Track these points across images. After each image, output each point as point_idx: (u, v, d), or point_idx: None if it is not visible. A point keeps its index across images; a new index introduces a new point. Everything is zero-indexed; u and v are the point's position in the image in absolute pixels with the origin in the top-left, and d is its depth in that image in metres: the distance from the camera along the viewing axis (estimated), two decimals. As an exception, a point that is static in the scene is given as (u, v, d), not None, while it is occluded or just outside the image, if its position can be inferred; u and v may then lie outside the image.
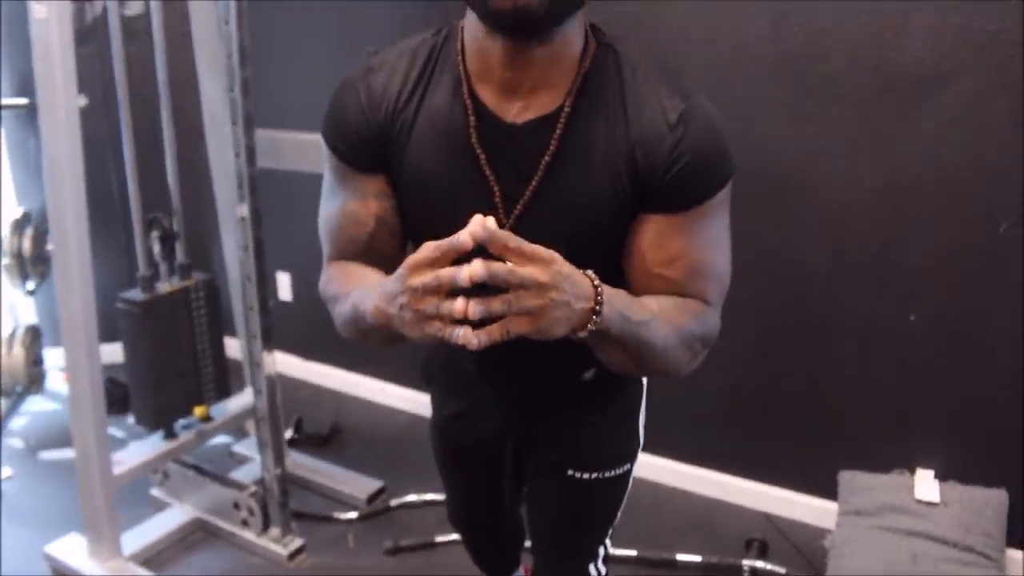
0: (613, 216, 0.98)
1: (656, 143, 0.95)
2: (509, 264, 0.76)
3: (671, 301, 0.98)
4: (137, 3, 2.90)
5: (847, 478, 2.23)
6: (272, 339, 2.13)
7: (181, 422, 2.32)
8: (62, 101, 1.86)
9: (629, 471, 1.32)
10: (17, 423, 2.98)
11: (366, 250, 1.07)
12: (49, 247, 2.98)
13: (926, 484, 2.15)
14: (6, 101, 2.94)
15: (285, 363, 3.21)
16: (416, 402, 2.97)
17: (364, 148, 1.02)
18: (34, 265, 2.97)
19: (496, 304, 0.75)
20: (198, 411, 2.31)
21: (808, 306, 2.22)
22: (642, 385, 1.32)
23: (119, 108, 2.10)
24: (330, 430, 2.81)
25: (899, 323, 2.11)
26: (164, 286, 2.20)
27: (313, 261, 3.24)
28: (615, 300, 0.86)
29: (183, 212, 2.27)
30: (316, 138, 1.92)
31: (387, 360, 3.04)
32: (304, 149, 2.21)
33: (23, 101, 2.94)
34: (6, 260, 2.93)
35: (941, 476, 2.16)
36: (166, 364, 2.20)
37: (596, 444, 1.29)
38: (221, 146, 2.33)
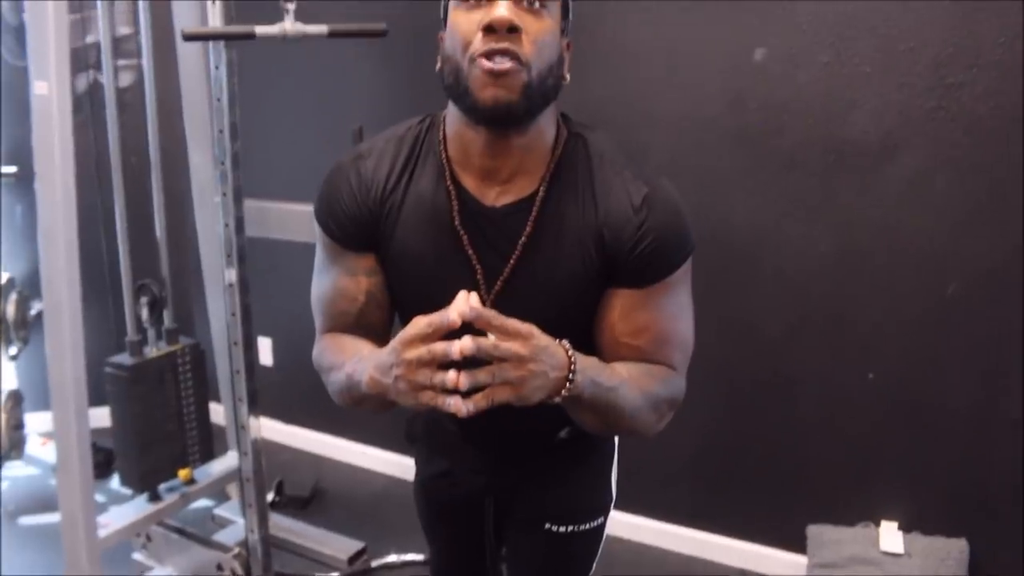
0: (584, 291, 1.07)
1: (622, 224, 1.04)
2: (492, 339, 0.85)
3: (639, 367, 1.06)
4: (127, 74, 3.02)
5: (815, 532, 2.31)
6: (257, 401, 2.19)
7: (165, 485, 2.35)
8: (59, 173, 1.94)
9: (603, 524, 1.38)
10: (-4, 488, 3.00)
11: (357, 323, 1.14)
12: (32, 312, 3.03)
13: (890, 536, 2.23)
14: (-5, 170, 3.01)
15: (266, 427, 3.23)
16: (395, 464, 3.02)
17: (355, 228, 1.10)
18: (17, 330, 3.01)
19: (482, 375, 0.84)
20: (182, 474, 2.34)
21: (771, 367, 2.32)
22: (614, 442, 1.38)
23: (112, 178, 2.19)
24: (311, 492, 2.85)
25: (859, 381, 2.22)
26: (152, 351, 2.26)
27: (294, 327, 3.32)
28: (587, 368, 0.94)
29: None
30: (299, 208, 2.04)
31: (366, 424, 3.10)
32: (287, 218, 2.29)
33: (13, 169, 3.02)
34: (-11, 326, 2.96)
35: (905, 527, 2.25)
36: (153, 427, 2.24)
37: (572, 499, 1.35)
38: (208, 215, 2.42)
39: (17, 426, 2.93)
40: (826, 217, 2.17)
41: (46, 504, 2.85)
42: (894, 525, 2.26)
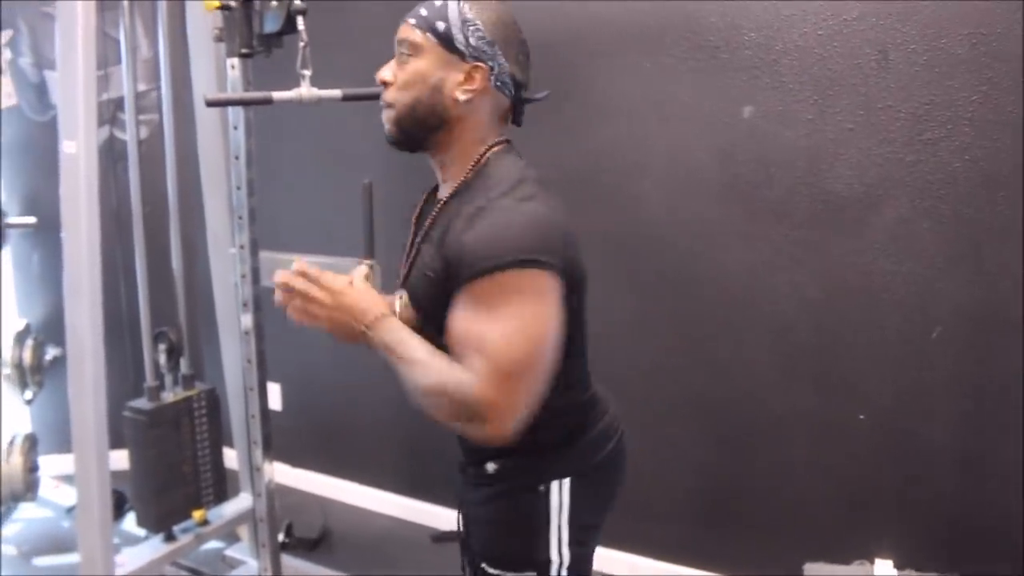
0: (437, 288, 1.21)
1: (455, 231, 1.18)
2: (299, 280, 1.23)
3: (445, 361, 1.16)
4: (143, 128, 3.14)
5: (812, 570, 2.36)
6: (271, 444, 2.28)
7: (179, 526, 2.42)
8: (85, 227, 2.03)
9: None
10: (11, 530, 3.05)
11: None
12: (48, 357, 3.12)
13: (885, 573, 2.28)
14: (15, 220, 3.12)
15: (275, 469, 3.32)
16: (401, 506, 3.09)
17: None
18: (33, 375, 3.09)
19: (278, 296, 1.26)
20: (197, 515, 2.41)
21: (763, 408, 2.41)
22: (555, 499, 1.31)
23: (131, 228, 2.30)
24: (320, 534, 2.92)
25: (850, 421, 2.30)
26: (169, 396, 2.35)
27: (303, 373, 3.40)
28: (388, 332, 1.19)
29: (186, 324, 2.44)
30: (310, 259, 2.11)
31: (373, 467, 3.19)
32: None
33: (32, 220, 3.12)
34: (7, 370, 3.04)
35: (899, 565, 2.29)
36: (169, 469, 2.32)
37: (501, 542, 1.36)
38: (223, 264, 2.52)
39: (32, 469, 3.01)
40: (813, 264, 2.27)
41: (59, 545, 2.92)
42: (889, 563, 2.32)
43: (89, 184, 2.02)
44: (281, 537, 2.82)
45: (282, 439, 3.23)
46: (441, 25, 1.24)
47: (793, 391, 2.36)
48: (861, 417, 2.29)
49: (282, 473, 3.34)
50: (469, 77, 1.24)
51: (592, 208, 2.52)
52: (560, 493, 1.31)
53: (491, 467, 1.34)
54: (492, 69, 1.25)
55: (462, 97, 1.25)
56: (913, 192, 2.13)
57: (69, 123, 2.00)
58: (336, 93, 1.83)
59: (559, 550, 1.32)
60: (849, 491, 2.35)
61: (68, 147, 2.02)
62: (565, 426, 1.34)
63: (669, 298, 2.49)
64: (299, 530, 2.92)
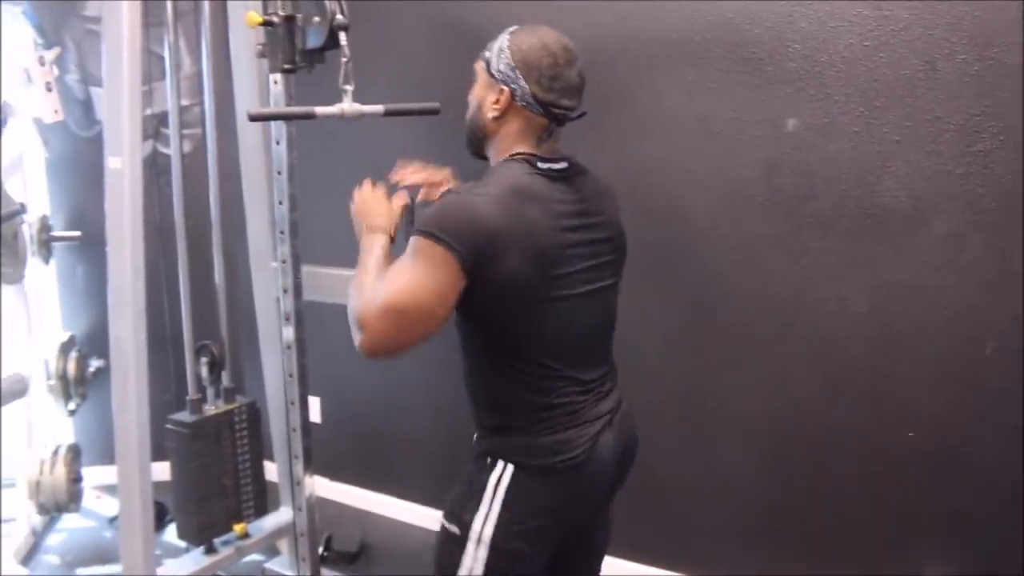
0: None
1: None
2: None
3: (377, 283, 1.40)
4: (187, 143, 3.18)
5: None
6: (312, 458, 2.28)
7: (220, 538, 2.43)
8: (129, 242, 2.06)
9: (457, 538, 1.49)
10: (54, 540, 3.09)
11: None
12: (91, 370, 3.17)
13: (933, 594, 2.24)
14: (60, 234, 3.17)
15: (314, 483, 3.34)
16: (439, 520, 3.07)
17: None
18: (76, 387, 3.14)
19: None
20: (238, 528, 2.42)
21: (807, 424, 2.36)
22: (488, 476, 1.49)
23: (174, 241, 2.32)
24: (358, 547, 2.92)
25: (899, 440, 2.25)
26: (211, 409, 2.37)
27: (342, 387, 3.41)
28: (370, 243, 1.52)
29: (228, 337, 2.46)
30: (349, 273, 2.16)
31: (411, 481, 3.19)
32: (336, 283, 2.40)
33: (76, 234, 3.17)
34: (51, 382, 3.09)
35: (948, 585, 2.26)
36: (211, 482, 2.33)
37: (454, 493, 1.55)
38: (264, 278, 2.53)
39: (75, 479, 3.04)
40: (860, 279, 2.23)
41: (102, 556, 2.95)
42: (939, 581, 2.27)
43: (134, 199, 2.05)
44: (320, 551, 2.83)
45: (321, 452, 3.24)
46: (487, 54, 1.51)
47: (840, 407, 2.32)
48: (911, 435, 2.24)
49: (321, 486, 3.34)
50: (497, 98, 1.49)
51: (634, 222, 2.48)
52: (502, 473, 1.48)
53: (475, 436, 1.58)
54: (515, 91, 1.47)
55: (490, 115, 1.51)
56: (963, 205, 2.08)
57: (114, 139, 2.02)
58: (378, 108, 1.83)
59: (483, 522, 1.46)
60: (897, 510, 2.30)
61: (113, 163, 2.05)
62: (518, 421, 1.49)
63: (712, 312, 2.46)
64: (338, 543, 2.92)
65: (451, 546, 1.50)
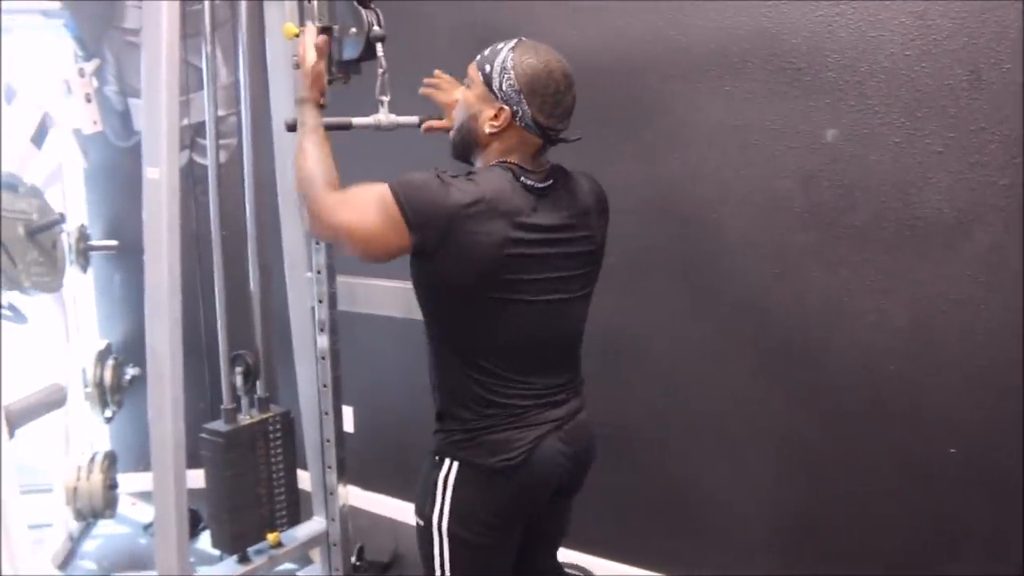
0: None
1: None
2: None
3: (323, 163, 1.62)
4: (222, 153, 3.20)
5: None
6: (346, 468, 2.28)
7: (253, 547, 2.44)
8: (166, 252, 2.08)
9: (428, 531, 1.60)
10: (90, 545, 3.12)
11: None
12: (127, 377, 3.20)
13: (974, 615, 2.19)
14: (98, 243, 3.21)
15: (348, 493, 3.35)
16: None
17: None
18: (112, 394, 3.17)
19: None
20: (271, 537, 2.43)
21: (845, 439, 2.32)
22: (438, 473, 1.60)
23: (210, 251, 2.34)
24: (391, 557, 2.92)
25: (940, 456, 2.20)
26: (245, 418, 2.38)
27: (375, 396, 3.42)
28: (305, 116, 1.69)
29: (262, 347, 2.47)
30: (384, 284, 2.19)
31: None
32: (373, 294, 2.41)
33: (113, 243, 3.21)
34: (88, 388, 3.13)
35: (990, 606, 2.20)
36: (245, 491, 2.34)
37: (418, 490, 1.65)
38: (299, 288, 2.54)
39: (111, 486, 3.08)
40: (901, 292, 2.19)
41: (137, 562, 2.97)
42: (979, 603, 2.22)
43: (171, 209, 2.06)
44: (353, 560, 2.83)
45: (354, 461, 3.25)
46: (487, 68, 1.54)
47: (879, 423, 2.27)
48: (952, 451, 2.19)
49: (354, 495, 3.35)
50: (496, 115, 1.54)
51: (670, 233, 2.49)
52: (448, 471, 1.58)
53: (433, 430, 1.67)
54: (516, 112, 1.52)
55: (488, 130, 1.56)
56: (1007, 217, 2.04)
57: (152, 150, 2.04)
58: (413, 120, 1.83)
59: (439, 515, 1.58)
60: (937, 527, 2.25)
61: (151, 173, 2.07)
62: (462, 413, 1.58)
63: (749, 326, 2.43)
64: (371, 553, 2.92)
65: (422, 539, 1.63)
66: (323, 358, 2.16)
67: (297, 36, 1.97)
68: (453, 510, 1.57)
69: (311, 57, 1.68)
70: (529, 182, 1.53)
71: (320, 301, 2.14)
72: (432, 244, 1.45)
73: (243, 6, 2.43)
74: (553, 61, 1.53)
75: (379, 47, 1.83)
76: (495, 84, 1.53)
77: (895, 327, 2.21)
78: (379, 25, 1.83)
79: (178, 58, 2.01)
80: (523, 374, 1.58)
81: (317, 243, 2.13)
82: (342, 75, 1.98)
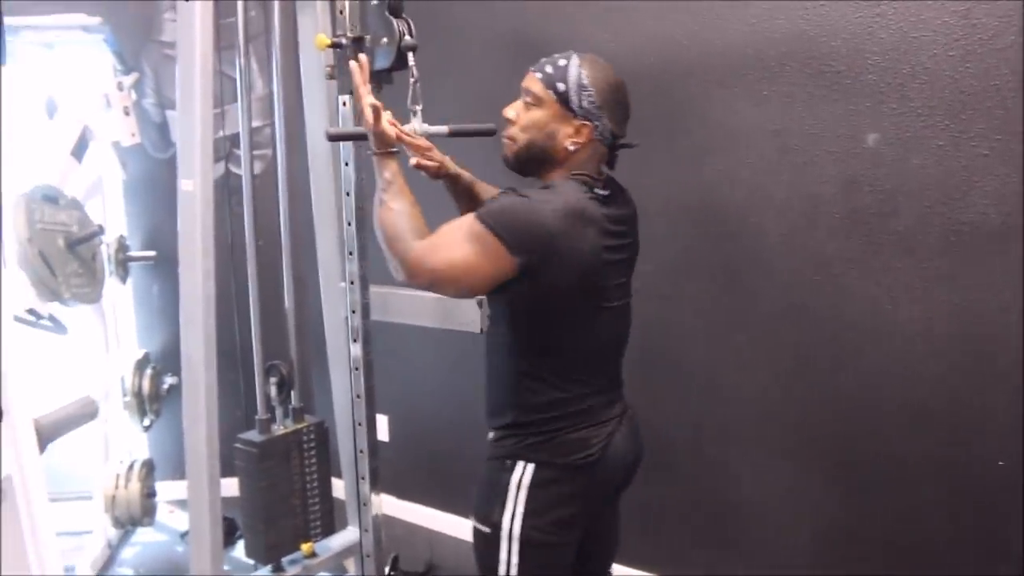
0: None
1: None
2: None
3: (419, 220, 1.57)
4: (258, 163, 3.23)
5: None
6: (379, 479, 2.27)
7: (287, 557, 2.44)
8: (200, 262, 2.09)
9: (492, 538, 1.60)
10: (128, 553, 3.15)
11: None
12: (165, 386, 3.23)
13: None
14: (136, 254, 3.24)
15: (382, 501, 3.34)
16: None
17: None
18: (151, 403, 3.20)
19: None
20: (305, 547, 2.43)
21: (887, 450, 2.26)
22: (510, 478, 1.60)
23: (244, 262, 2.35)
24: (425, 568, 2.90)
25: (987, 468, 2.13)
26: (279, 428, 2.38)
27: (410, 405, 3.41)
28: (387, 171, 1.61)
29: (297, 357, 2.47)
30: (417, 295, 2.18)
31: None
32: (406, 304, 2.40)
33: (152, 254, 3.24)
34: (127, 397, 3.16)
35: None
36: (279, 502, 2.34)
37: (479, 498, 1.66)
38: (334, 298, 2.54)
39: (149, 494, 3.10)
40: (945, 299, 2.13)
41: (173, 569, 2.99)
42: (1030, 621, 2.15)
43: (205, 221, 2.08)
44: (387, 570, 2.81)
45: (389, 471, 3.24)
46: (561, 86, 1.55)
47: (923, 432, 2.21)
48: (1000, 463, 2.12)
49: (389, 505, 3.34)
50: (578, 132, 1.56)
51: (707, 240, 2.45)
52: (523, 473, 1.59)
53: (490, 436, 1.70)
54: (596, 127, 1.56)
55: (571, 148, 1.57)
56: (1058, 222, 1.97)
57: (187, 163, 2.06)
58: (443, 129, 1.83)
59: (511, 519, 1.58)
60: (985, 543, 2.18)
61: (186, 185, 2.08)
62: (541, 418, 1.60)
63: (788, 334, 2.38)
64: (405, 563, 2.90)
65: (486, 546, 1.62)
66: (356, 368, 2.15)
67: (329, 47, 1.98)
68: (528, 512, 1.59)
69: (369, 118, 1.62)
70: (600, 192, 1.58)
71: (353, 311, 2.13)
72: (537, 261, 1.47)
73: (276, 17, 2.45)
74: (613, 73, 1.59)
75: (411, 57, 1.82)
76: (573, 102, 1.55)
77: (939, 336, 2.15)
78: (411, 35, 1.82)
79: (211, 70, 2.03)
80: (594, 374, 1.65)
81: (350, 252, 2.13)
82: (374, 84, 1.97)
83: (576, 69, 1.55)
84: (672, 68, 2.41)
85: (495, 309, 1.65)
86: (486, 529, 1.62)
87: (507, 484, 1.60)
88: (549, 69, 1.57)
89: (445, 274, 1.50)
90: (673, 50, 2.41)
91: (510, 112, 1.62)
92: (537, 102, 1.58)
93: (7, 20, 2.95)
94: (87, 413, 2.32)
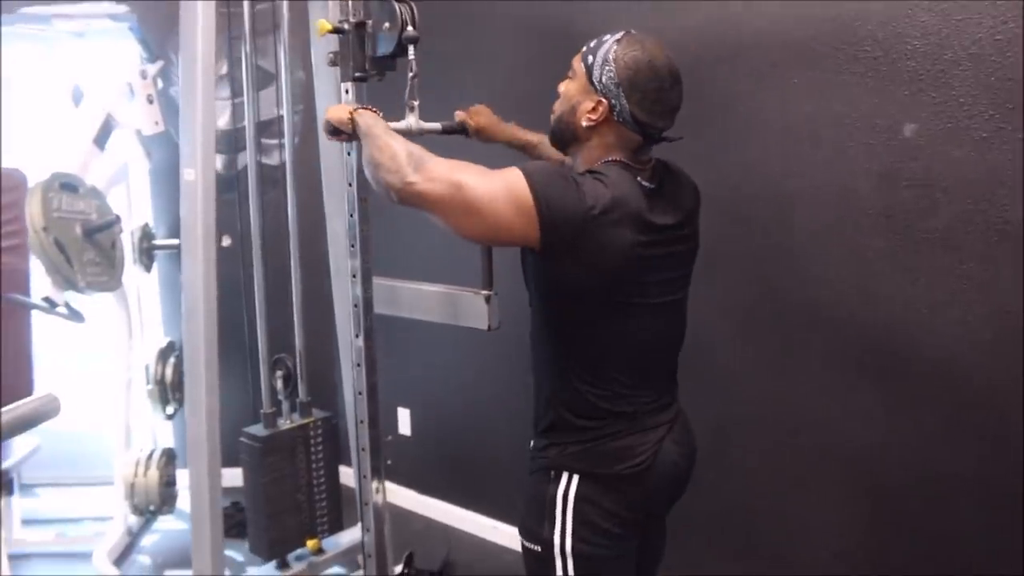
0: None
1: None
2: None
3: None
4: (277, 153, 3.19)
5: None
6: (383, 478, 2.21)
7: (294, 553, 2.40)
8: (201, 252, 2.06)
9: (540, 556, 1.51)
10: (148, 540, 3.16)
11: None
12: (188, 375, 3.22)
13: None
14: (161, 242, 3.24)
15: (401, 495, 3.30)
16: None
17: None
18: (174, 391, 3.20)
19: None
20: (310, 544, 2.39)
21: (921, 463, 2.12)
22: (556, 490, 1.51)
23: (253, 252, 2.31)
24: (441, 566, 2.84)
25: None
26: (285, 423, 2.33)
27: (431, 399, 3.36)
28: (369, 120, 1.59)
29: (306, 351, 2.42)
30: (427, 288, 2.10)
31: (501, 500, 3.09)
32: (416, 298, 2.32)
33: (176, 242, 3.23)
34: (150, 386, 3.16)
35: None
36: (283, 497, 2.30)
37: (524, 513, 1.57)
38: (344, 293, 2.48)
39: (169, 483, 3.10)
40: (986, 302, 1.98)
41: (190, 559, 2.98)
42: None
43: (207, 209, 2.04)
44: (401, 568, 2.76)
45: (410, 466, 3.21)
46: (590, 59, 1.48)
47: (960, 445, 2.06)
48: (1047, 482, 1.97)
49: (409, 499, 3.31)
50: (594, 109, 1.47)
51: (736, 235, 2.32)
52: (568, 485, 1.50)
53: (532, 443, 1.60)
54: (613, 107, 1.45)
55: (584, 123, 1.49)
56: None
57: (188, 152, 2.03)
58: (436, 126, 1.85)
59: (561, 535, 1.49)
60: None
61: (187, 174, 2.05)
62: (584, 428, 1.50)
63: (818, 337, 2.24)
64: (421, 560, 2.85)
65: (538, 564, 1.53)
66: (358, 364, 2.08)
67: (331, 32, 1.92)
68: (577, 526, 1.49)
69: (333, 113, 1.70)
70: (643, 181, 1.48)
71: (355, 305, 2.07)
72: (562, 246, 1.38)
73: (285, 5, 2.39)
74: (660, 56, 1.46)
75: (411, 50, 1.75)
76: (595, 76, 1.47)
77: (979, 340, 2.00)
78: (413, 25, 1.75)
79: (213, 61, 1.99)
80: (638, 378, 1.54)
81: (353, 245, 2.06)
82: (376, 71, 1.90)
83: (610, 44, 1.46)
84: (698, 55, 2.29)
85: (533, 300, 1.55)
86: (536, 547, 1.53)
87: (553, 496, 1.51)
88: (593, 43, 1.50)
89: (467, 193, 1.36)
90: (703, 39, 2.30)
91: (560, 86, 1.57)
92: (572, 74, 1.53)
93: (35, 9, 2.96)
94: (49, 410, 2.30)
